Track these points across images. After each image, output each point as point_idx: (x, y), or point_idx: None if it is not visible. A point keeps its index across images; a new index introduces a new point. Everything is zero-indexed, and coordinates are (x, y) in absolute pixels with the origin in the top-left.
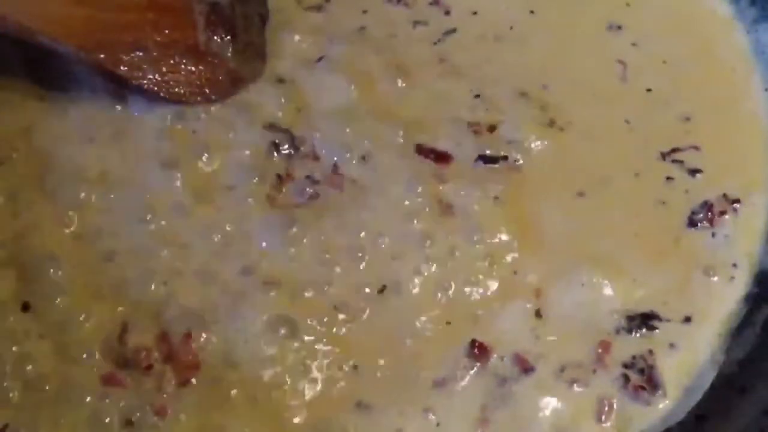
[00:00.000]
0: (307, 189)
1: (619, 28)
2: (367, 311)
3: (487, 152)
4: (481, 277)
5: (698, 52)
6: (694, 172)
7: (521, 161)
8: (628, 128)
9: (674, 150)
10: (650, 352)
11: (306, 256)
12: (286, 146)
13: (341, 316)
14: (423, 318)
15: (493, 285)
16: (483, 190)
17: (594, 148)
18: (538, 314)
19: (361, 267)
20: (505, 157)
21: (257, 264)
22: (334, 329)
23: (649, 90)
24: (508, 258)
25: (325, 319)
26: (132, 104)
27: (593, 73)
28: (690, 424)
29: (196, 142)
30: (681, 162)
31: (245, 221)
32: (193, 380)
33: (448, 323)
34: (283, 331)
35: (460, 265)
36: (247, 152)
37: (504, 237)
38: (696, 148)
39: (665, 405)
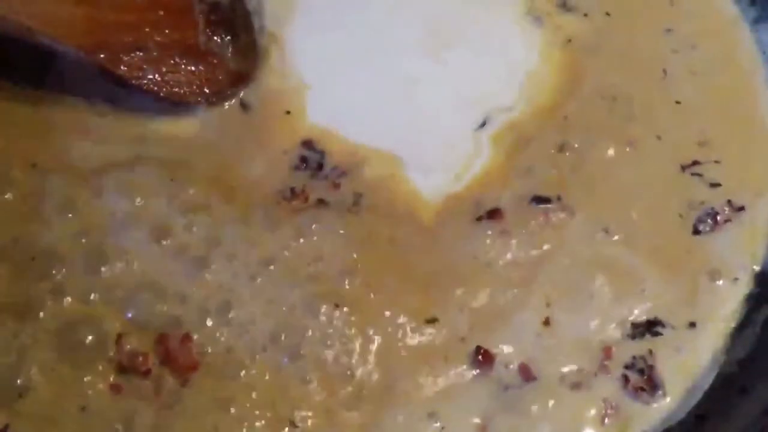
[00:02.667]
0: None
1: (669, 31)
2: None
3: (538, 193)
4: (498, 287)
5: (720, 59)
6: (714, 185)
7: (569, 201)
8: (659, 144)
9: (695, 163)
10: (650, 351)
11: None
12: (314, 166)
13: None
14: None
15: (509, 295)
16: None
17: (623, 164)
18: (546, 323)
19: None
20: (559, 198)
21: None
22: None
23: (678, 102)
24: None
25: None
26: None
27: (644, 85)
28: (690, 424)
29: None
30: (701, 175)
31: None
32: (192, 380)
33: (463, 339)
34: (285, 339)
35: (482, 279)
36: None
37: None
38: (716, 161)
39: (665, 405)
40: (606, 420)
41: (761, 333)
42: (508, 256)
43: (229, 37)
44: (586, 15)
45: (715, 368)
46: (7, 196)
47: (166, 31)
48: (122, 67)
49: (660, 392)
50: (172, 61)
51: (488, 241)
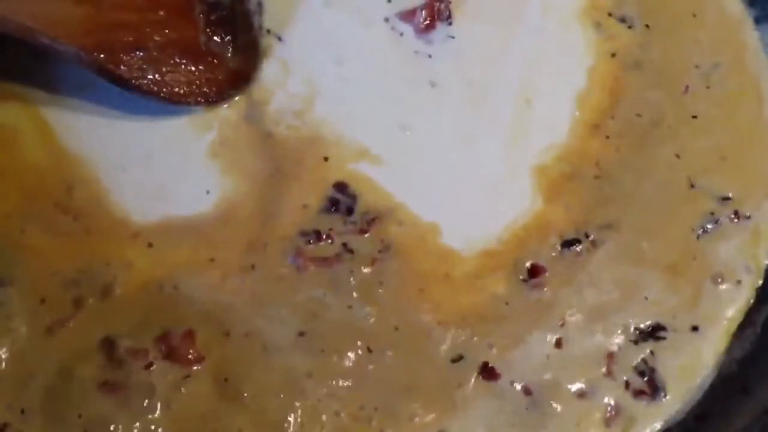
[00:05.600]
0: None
1: (694, 44)
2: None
3: (566, 237)
4: (518, 319)
5: (729, 66)
6: (725, 199)
7: (598, 235)
8: (676, 161)
9: (705, 178)
10: (652, 354)
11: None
12: (343, 209)
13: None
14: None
15: (527, 321)
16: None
17: (646, 187)
18: (558, 344)
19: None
20: (587, 235)
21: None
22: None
23: (694, 117)
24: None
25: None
26: None
27: (672, 102)
28: (690, 423)
29: None
30: (710, 190)
31: None
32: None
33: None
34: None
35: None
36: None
37: None
38: (725, 174)
39: (667, 406)
40: (609, 423)
41: (761, 333)
42: (538, 299)
43: (229, 37)
44: (630, 27)
45: (714, 368)
46: None
47: (166, 31)
48: (122, 67)
49: (662, 394)
50: (172, 61)
51: (524, 293)
